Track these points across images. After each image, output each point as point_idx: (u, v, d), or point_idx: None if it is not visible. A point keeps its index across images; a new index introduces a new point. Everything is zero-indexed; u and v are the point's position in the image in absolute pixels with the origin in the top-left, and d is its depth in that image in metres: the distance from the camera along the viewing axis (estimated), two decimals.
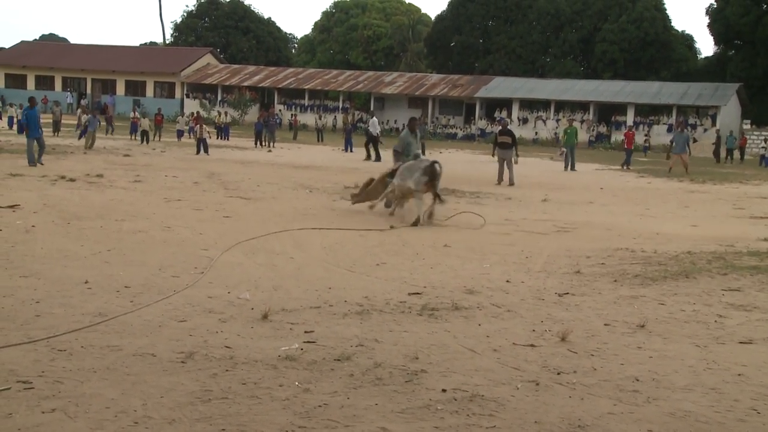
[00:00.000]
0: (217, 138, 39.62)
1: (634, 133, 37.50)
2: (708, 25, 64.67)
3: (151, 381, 4.99)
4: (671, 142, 31.88)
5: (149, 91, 67.30)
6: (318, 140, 44.91)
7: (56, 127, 36.35)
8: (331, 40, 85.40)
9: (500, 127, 24.27)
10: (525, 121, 58.10)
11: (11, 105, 43.43)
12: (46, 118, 30.49)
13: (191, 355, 5.51)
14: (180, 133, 38.62)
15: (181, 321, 6.45)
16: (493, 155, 22.46)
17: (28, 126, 20.87)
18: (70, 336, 5.87)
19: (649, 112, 57.09)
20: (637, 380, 5.28)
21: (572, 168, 29.30)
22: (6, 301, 6.82)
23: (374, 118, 32.92)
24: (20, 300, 6.89)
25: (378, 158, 29.76)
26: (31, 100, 21.92)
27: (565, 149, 31.13)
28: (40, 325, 6.16)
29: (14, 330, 5.99)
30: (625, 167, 31.60)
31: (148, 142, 33.39)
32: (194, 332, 6.12)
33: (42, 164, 20.48)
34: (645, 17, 65.41)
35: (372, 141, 30.90)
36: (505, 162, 21.67)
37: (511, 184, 21.18)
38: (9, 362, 5.23)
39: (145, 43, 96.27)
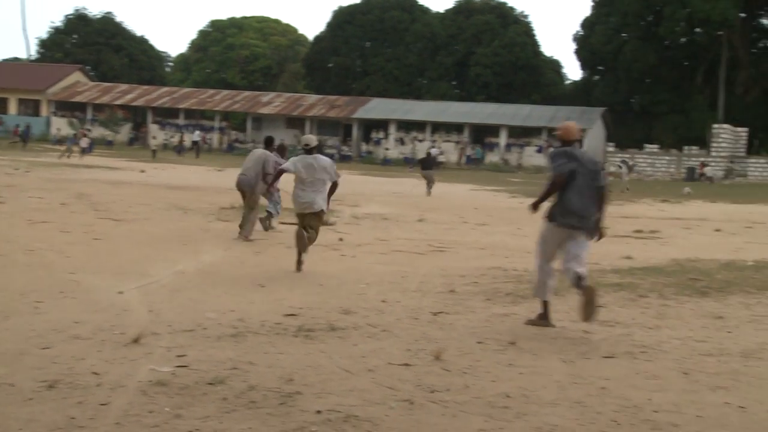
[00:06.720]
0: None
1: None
2: (575, 52, 67.50)
3: (11, 412, 4.75)
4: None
5: (12, 108, 64.72)
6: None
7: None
8: (208, 59, 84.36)
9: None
10: (402, 141, 58.92)
11: None
12: None
13: (55, 384, 5.27)
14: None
15: (45, 348, 6.18)
16: None
17: None
18: None
19: (521, 134, 58.96)
20: (508, 396, 5.40)
21: None
22: None
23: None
24: None
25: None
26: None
27: None
28: None
29: None
30: None
31: None
32: (58, 359, 5.87)
33: None
34: (516, 42, 67.61)
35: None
36: None
37: None
38: None
39: (8, 59, 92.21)
